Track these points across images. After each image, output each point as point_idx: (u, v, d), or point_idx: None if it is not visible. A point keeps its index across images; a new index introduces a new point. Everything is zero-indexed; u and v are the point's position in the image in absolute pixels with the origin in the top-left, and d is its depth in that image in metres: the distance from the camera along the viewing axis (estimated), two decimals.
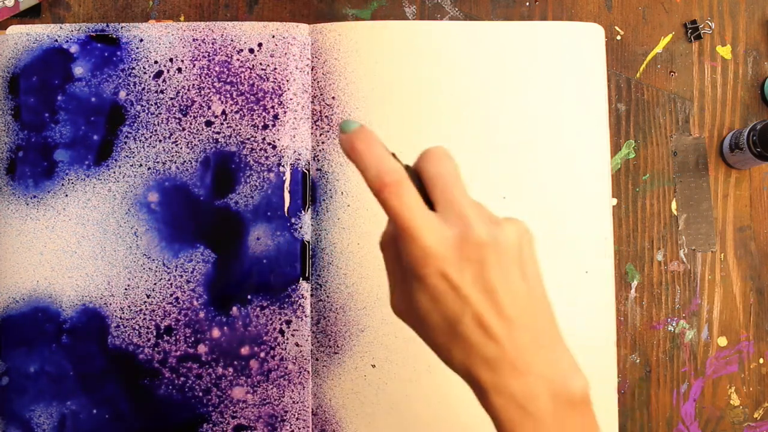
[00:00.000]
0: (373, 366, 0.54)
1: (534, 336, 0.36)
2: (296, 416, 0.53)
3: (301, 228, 0.54)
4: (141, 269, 0.54)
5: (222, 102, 0.55)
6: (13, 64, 0.55)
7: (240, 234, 0.54)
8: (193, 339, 0.53)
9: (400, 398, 0.54)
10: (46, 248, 0.54)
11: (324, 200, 0.55)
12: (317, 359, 0.54)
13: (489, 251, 0.35)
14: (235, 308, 0.53)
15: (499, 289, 0.35)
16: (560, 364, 0.36)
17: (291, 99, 0.55)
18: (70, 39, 0.56)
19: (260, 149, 0.54)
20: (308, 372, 0.54)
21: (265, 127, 0.55)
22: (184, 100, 0.55)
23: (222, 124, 0.55)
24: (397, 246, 0.36)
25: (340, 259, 0.55)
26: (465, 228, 0.35)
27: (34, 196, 0.54)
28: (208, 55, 0.55)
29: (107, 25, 0.56)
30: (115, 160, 0.55)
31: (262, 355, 0.53)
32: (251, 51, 0.55)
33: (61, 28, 0.56)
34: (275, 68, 0.55)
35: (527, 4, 0.61)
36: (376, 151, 0.35)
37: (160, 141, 0.55)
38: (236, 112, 0.55)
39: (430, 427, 0.54)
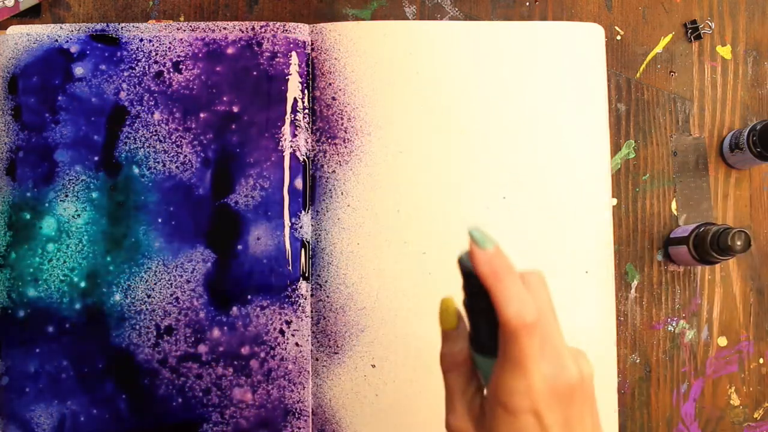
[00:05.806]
0: (373, 366, 0.54)
1: None
2: (296, 416, 0.53)
3: (301, 228, 0.54)
4: (141, 269, 0.54)
5: (222, 102, 0.55)
6: (13, 64, 0.55)
7: (240, 234, 0.54)
8: (193, 339, 0.53)
9: (400, 398, 0.54)
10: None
11: (324, 200, 0.55)
12: (317, 359, 0.54)
13: (577, 392, 0.35)
14: (235, 308, 0.53)
15: (577, 428, 0.36)
16: None
17: (291, 99, 0.55)
18: (70, 39, 0.56)
19: (260, 149, 0.54)
20: (308, 372, 0.54)
21: (265, 126, 0.55)
22: (184, 100, 0.55)
23: (222, 124, 0.55)
24: (469, 367, 0.38)
25: (340, 259, 0.55)
26: (560, 367, 0.35)
27: (35, 197, 0.54)
28: (208, 55, 0.55)
29: (107, 25, 0.56)
30: (116, 160, 0.55)
31: (263, 355, 0.53)
32: (251, 51, 0.55)
33: (61, 28, 0.56)
34: (275, 68, 0.55)
35: (527, 4, 0.61)
36: (517, 283, 0.35)
37: (160, 141, 0.55)
38: (236, 112, 0.55)
39: (429, 427, 0.54)
